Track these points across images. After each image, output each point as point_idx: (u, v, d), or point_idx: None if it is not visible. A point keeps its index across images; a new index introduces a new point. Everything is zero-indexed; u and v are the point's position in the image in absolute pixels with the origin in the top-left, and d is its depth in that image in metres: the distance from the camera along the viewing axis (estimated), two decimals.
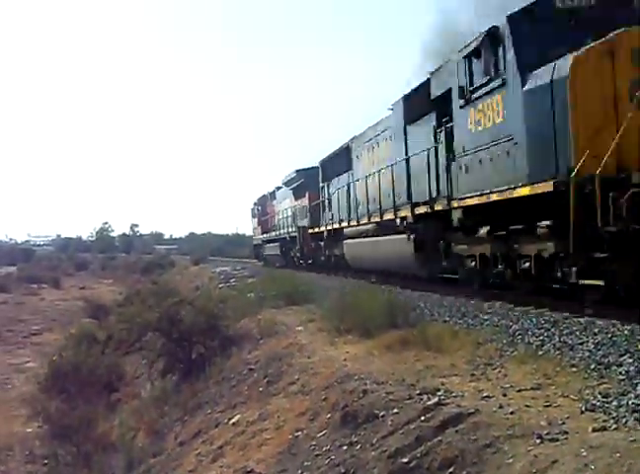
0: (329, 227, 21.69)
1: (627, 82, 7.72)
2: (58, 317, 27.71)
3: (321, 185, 23.50)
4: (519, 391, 5.15)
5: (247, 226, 49.21)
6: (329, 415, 6.14)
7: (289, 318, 11.52)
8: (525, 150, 8.99)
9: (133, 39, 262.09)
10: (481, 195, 10.15)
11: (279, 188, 33.88)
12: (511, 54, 9.38)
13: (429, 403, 5.06)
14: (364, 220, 17.25)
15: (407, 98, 14.14)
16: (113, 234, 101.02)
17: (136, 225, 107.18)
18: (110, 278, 46.21)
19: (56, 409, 12.26)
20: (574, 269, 8.01)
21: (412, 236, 13.48)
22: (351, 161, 19.57)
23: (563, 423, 4.22)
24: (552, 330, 7.25)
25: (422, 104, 12.99)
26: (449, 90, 11.38)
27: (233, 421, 7.89)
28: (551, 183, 8.16)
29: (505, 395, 5.07)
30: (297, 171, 28.05)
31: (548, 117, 8.45)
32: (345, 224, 19.57)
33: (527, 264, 9.23)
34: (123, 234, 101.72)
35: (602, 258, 7.50)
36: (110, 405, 13.45)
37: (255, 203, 42.47)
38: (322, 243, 23.23)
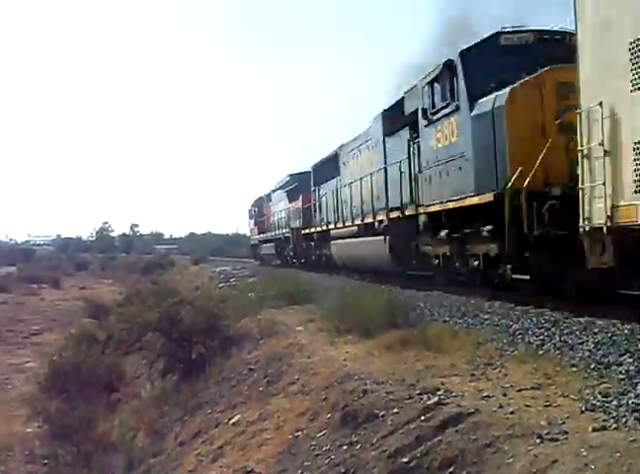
0: (319, 229, 23.15)
1: (553, 111, 9.18)
2: (58, 317, 27.70)
3: (312, 188, 24.87)
4: (519, 391, 5.15)
5: (246, 226, 49.66)
6: (329, 415, 6.13)
7: (289, 318, 11.52)
8: (473, 166, 10.65)
9: (133, 39, 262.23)
10: (441, 202, 11.86)
11: (274, 190, 35.32)
12: (462, 84, 11.08)
13: (429, 403, 5.06)
14: (349, 223, 18.86)
15: (385, 112, 15.71)
16: (113, 234, 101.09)
17: (136, 225, 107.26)
18: (110, 278, 46.20)
19: (56, 409, 12.25)
20: (509, 266, 9.73)
21: (387, 238, 15.18)
22: (339, 167, 20.94)
23: (563, 422, 4.22)
24: (552, 329, 7.26)
25: (397, 119, 14.56)
26: (417, 110, 13.04)
27: (233, 421, 7.89)
28: (492, 194, 9.80)
29: (505, 395, 5.07)
30: (291, 175, 29.96)
31: (490, 139, 10.11)
32: (332, 226, 21.01)
33: (477, 262, 10.84)
34: (123, 234, 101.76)
35: (529, 256, 9.13)
36: (110, 405, 13.44)
37: (252, 205, 43.86)
38: (313, 243, 24.83)
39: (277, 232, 32.83)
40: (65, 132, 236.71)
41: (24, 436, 12.71)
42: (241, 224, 52.73)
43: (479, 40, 11.26)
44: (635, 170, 6.75)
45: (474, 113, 10.66)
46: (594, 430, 4.01)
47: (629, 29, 6.83)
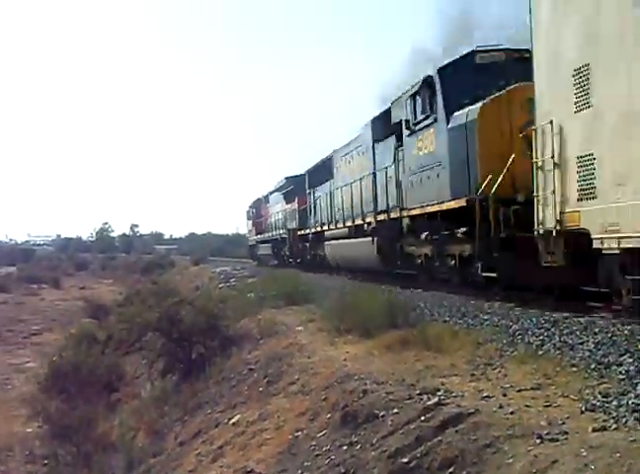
0: (313, 230, 24.23)
1: (519, 125, 9.76)
2: (58, 317, 27.71)
3: (308, 191, 25.72)
4: (519, 391, 5.15)
5: (245, 227, 50.01)
6: (329, 415, 6.13)
7: (289, 318, 11.52)
8: (449, 173, 11.62)
9: (133, 39, 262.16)
10: (422, 206, 12.86)
11: (272, 192, 36.24)
12: (439, 99, 12.09)
13: (429, 403, 5.06)
14: (341, 224, 19.89)
15: (375, 120, 16.60)
16: (113, 234, 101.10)
17: (136, 225, 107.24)
18: (110, 278, 46.22)
19: (56, 409, 12.24)
20: (479, 265, 10.58)
21: (375, 239, 16.14)
22: (332, 171, 21.75)
23: (563, 423, 4.22)
24: (552, 330, 7.25)
25: (385, 127, 15.44)
26: (401, 121, 13.98)
27: (233, 421, 7.89)
28: (464, 199, 10.75)
29: (505, 395, 5.07)
30: (287, 178, 31.07)
31: (464, 149, 11.09)
32: (326, 227, 21.97)
33: (454, 262, 11.74)
34: (123, 234, 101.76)
35: (497, 256, 10.00)
36: (110, 405, 13.44)
37: (250, 206, 44.65)
38: (308, 244, 25.84)
39: (274, 233, 33.63)
40: (65, 132, 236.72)
41: (24, 436, 12.71)
42: (241, 224, 52.82)
43: (456, 58, 12.29)
44: (578, 181, 7.74)
45: (450, 125, 11.67)
46: (594, 430, 4.01)
47: (574, 57, 7.79)
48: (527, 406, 4.69)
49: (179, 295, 14.19)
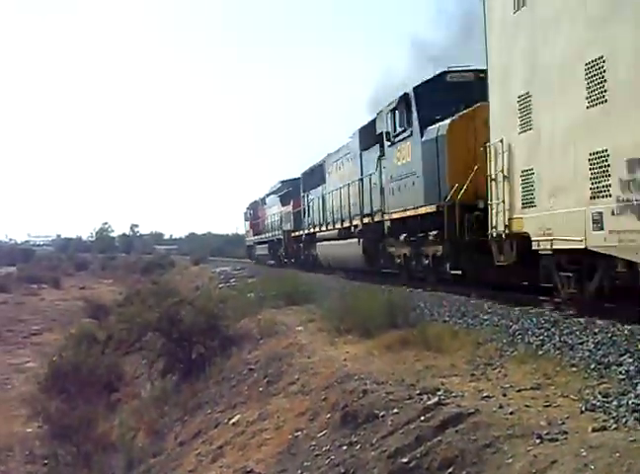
0: (306, 231, 25.54)
1: (482, 140, 10.59)
2: (58, 317, 27.70)
3: (302, 194, 26.90)
4: (518, 391, 5.15)
5: (243, 228, 50.49)
6: (329, 415, 6.13)
7: (289, 318, 11.52)
8: (423, 182, 13.02)
9: (133, 39, 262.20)
10: (400, 211, 14.28)
11: (268, 194, 37.50)
12: (415, 115, 13.47)
13: (429, 403, 5.05)
14: (331, 227, 21.15)
15: (362, 129, 17.80)
16: (113, 234, 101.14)
17: (136, 225, 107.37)
18: (110, 278, 46.20)
19: (56, 409, 12.24)
20: (448, 264, 12.12)
21: (361, 240, 17.51)
22: (324, 176, 22.98)
23: (563, 423, 4.22)
24: (552, 330, 7.25)
25: (371, 136, 16.58)
26: (383, 132, 15.27)
27: (233, 421, 7.89)
28: (435, 206, 12.16)
29: (505, 395, 5.07)
30: (282, 181, 32.67)
31: (435, 160, 12.46)
32: (318, 229, 23.25)
33: (428, 261, 13.15)
34: (123, 234, 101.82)
35: (462, 256, 11.49)
36: (110, 405, 13.43)
37: (247, 208, 45.84)
38: (301, 244, 27.02)
39: (270, 234, 34.81)
40: (65, 132, 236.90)
41: (24, 436, 12.71)
42: (241, 225, 52.93)
43: (429, 78, 13.62)
44: (522, 192, 9.06)
45: (424, 138, 13.03)
46: (593, 430, 4.01)
47: (518, 85, 9.10)
48: (527, 406, 4.69)
49: (179, 295, 14.18)
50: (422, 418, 4.89)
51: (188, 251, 67.54)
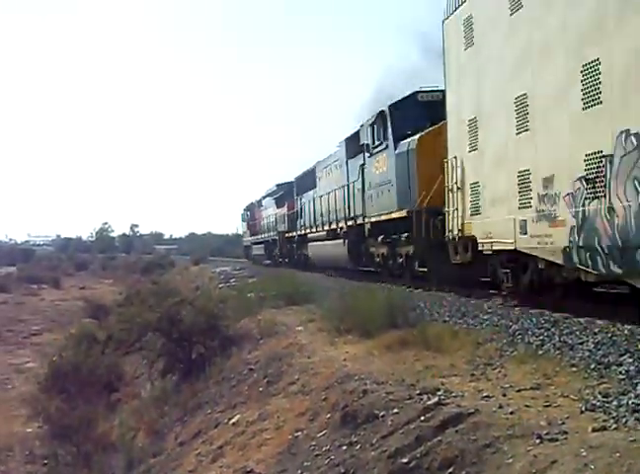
0: (299, 232, 27.13)
1: (446, 153, 11.77)
2: (58, 317, 27.69)
3: (295, 197, 28.50)
4: (518, 391, 5.14)
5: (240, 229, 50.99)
6: (329, 415, 6.13)
7: (289, 318, 11.51)
8: (396, 189, 14.67)
9: (133, 39, 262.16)
10: (378, 215, 15.93)
11: (264, 197, 38.86)
12: (390, 130, 15.13)
13: (428, 403, 5.05)
14: (321, 228, 22.67)
15: (348, 139, 19.42)
16: (113, 234, 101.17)
17: (136, 225, 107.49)
18: (110, 278, 46.18)
19: (56, 409, 12.22)
20: (416, 262, 13.90)
21: (346, 241, 19.25)
22: (315, 180, 24.68)
23: (563, 423, 4.22)
24: (552, 330, 7.26)
25: (355, 146, 18.10)
26: (364, 144, 16.91)
27: (233, 421, 7.88)
28: (405, 211, 13.85)
29: (505, 395, 5.07)
30: (277, 185, 34.12)
31: (406, 171, 14.11)
32: (309, 231, 24.94)
33: (401, 259, 14.84)
34: (123, 234, 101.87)
35: (428, 256, 13.20)
36: (110, 405, 13.43)
37: (244, 209, 47.16)
38: (295, 245, 28.54)
39: (266, 235, 36.26)
40: (65, 132, 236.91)
41: (24, 436, 12.70)
42: (240, 225, 53.18)
43: (403, 96, 15.33)
44: (471, 201, 10.71)
45: (397, 151, 14.64)
46: (593, 430, 4.00)
47: (468, 111, 10.78)
48: (527, 406, 4.69)
49: (179, 295, 14.15)
50: (422, 418, 4.89)
51: (188, 251, 67.56)
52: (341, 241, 19.71)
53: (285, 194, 31.03)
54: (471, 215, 10.69)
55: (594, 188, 7.42)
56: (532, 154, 8.72)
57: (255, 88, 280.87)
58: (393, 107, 15.21)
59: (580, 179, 7.65)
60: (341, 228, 19.86)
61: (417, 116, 14.14)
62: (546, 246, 8.46)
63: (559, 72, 8.04)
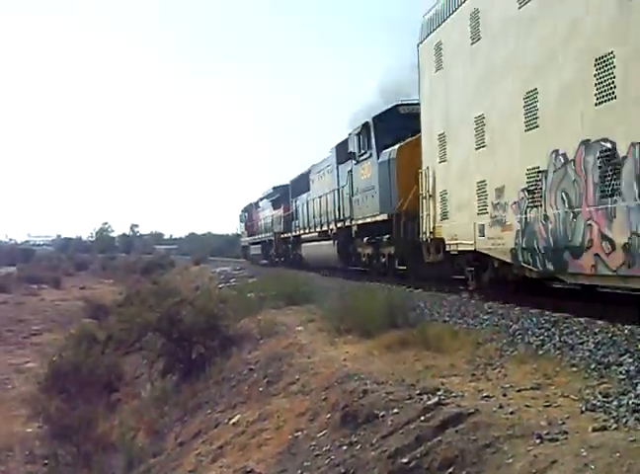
0: (294, 233, 28.28)
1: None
2: (58, 317, 27.68)
3: (291, 200, 29.68)
4: (518, 391, 5.14)
5: (238, 229, 51.39)
6: (329, 415, 6.12)
7: (289, 318, 11.51)
8: (379, 195, 16.02)
9: (133, 39, 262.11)
10: (363, 218, 17.38)
11: (261, 198, 40.10)
12: (373, 140, 16.50)
13: (429, 403, 5.05)
14: (313, 230, 23.91)
15: (338, 146, 20.55)
16: (113, 234, 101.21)
17: (136, 225, 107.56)
18: (110, 279, 46.17)
19: (56, 409, 12.22)
20: (396, 260, 15.25)
21: (335, 242, 20.57)
22: (309, 184, 25.86)
23: (563, 423, 4.21)
24: (552, 330, 7.26)
25: (345, 152, 19.18)
26: (351, 152, 18.26)
27: (233, 421, 7.88)
28: (386, 214, 15.17)
29: (505, 395, 5.06)
30: (274, 187, 35.29)
31: (387, 178, 15.42)
32: (303, 232, 26.20)
33: (384, 259, 16.10)
34: (123, 234, 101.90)
35: (406, 255, 14.52)
36: (110, 405, 13.42)
37: (242, 210, 48.20)
38: (290, 245, 29.78)
39: (263, 235, 37.45)
40: (65, 133, 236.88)
41: (24, 436, 12.70)
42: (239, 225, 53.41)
43: (385, 109, 16.64)
44: (440, 207, 11.95)
45: (380, 160, 15.93)
46: (594, 430, 4.00)
47: (438, 126, 12.00)
48: (527, 406, 4.69)
49: (179, 295, 14.16)
50: (422, 418, 4.89)
51: (188, 251, 67.56)
52: (331, 242, 20.94)
53: (282, 196, 31.93)
54: (441, 220, 11.96)
55: (533, 198, 8.73)
56: (488, 167, 10.09)
57: (256, 87, 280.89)
58: (377, 118, 16.50)
59: (523, 190, 8.96)
60: (331, 230, 21.03)
61: (398, 127, 15.13)
62: (499, 247, 9.80)
63: (508, 98, 9.33)
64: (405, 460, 4.60)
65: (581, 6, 7.60)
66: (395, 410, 5.25)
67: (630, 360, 5.46)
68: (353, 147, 18.06)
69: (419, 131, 13.18)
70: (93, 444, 11.09)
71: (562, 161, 7.96)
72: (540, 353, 6.29)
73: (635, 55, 6.66)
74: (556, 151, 8.08)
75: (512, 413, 4.53)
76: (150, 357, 12.50)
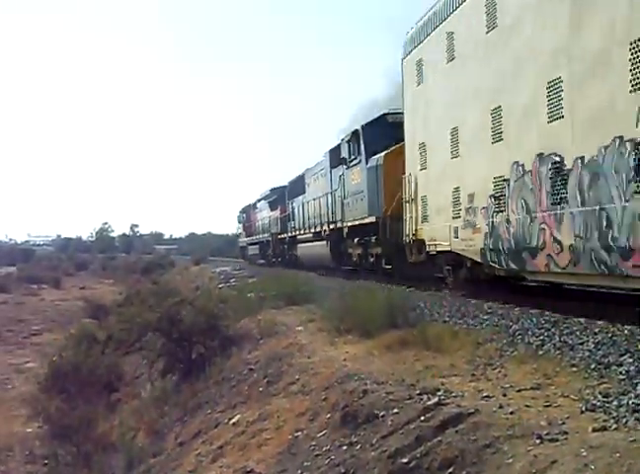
0: (290, 234, 29.30)
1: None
2: (58, 317, 27.68)
3: (287, 201, 30.60)
4: (518, 391, 5.14)
5: (236, 230, 51.77)
6: (329, 415, 6.12)
7: (289, 318, 11.50)
8: (367, 199, 16.92)
9: (133, 39, 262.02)
10: (353, 220, 18.38)
11: (259, 200, 40.86)
12: (362, 146, 17.47)
13: (429, 403, 5.05)
14: (308, 231, 24.90)
15: (331, 151, 21.41)
16: (113, 234, 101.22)
17: (136, 225, 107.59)
18: (110, 279, 46.17)
19: (56, 409, 12.22)
20: (383, 260, 16.01)
21: (328, 242, 21.48)
22: (304, 186, 26.73)
23: (563, 423, 4.21)
24: (552, 330, 7.25)
25: (337, 158, 20.13)
26: (343, 157, 19.23)
27: (233, 421, 7.88)
28: (374, 217, 16.06)
29: (505, 395, 5.06)
30: (271, 189, 36.37)
31: (375, 183, 16.27)
32: (298, 233, 27.16)
33: (372, 259, 16.99)
34: (123, 234, 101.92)
35: (391, 255, 15.31)
36: (110, 405, 13.42)
37: (240, 212, 48.98)
38: (286, 246, 30.77)
39: (260, 236, 38.36)
40: (65, 133, 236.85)
41: (24, 436, 12.70)
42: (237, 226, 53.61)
43: (374, 118, 17.56)
44: (421, 210, 12.95)
45: (368, 166, 16.86)
46: (594, 430, 4.00)
47: (419, 136, 13.01)
48: (527, 406, 4.68)
49: (179, 295, 14.16)
50: (422, 418, 4.89)
51: (188, 251, 67.56)
52: (324, 242, 21.92)
53: (279, 198, 32.78)
54: (421, 222, 12.99)
55: (498, 203, 9.73)
56: (461, 175, 11.07)
57: (256, 87, 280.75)
58: (366, 126, 17.52)
59: (490, 196, 9.95)
60: (324, 231, 21.99)
61: (386, 135, 15.87)
62: (470, 248, 10.76)
63: (477, 113, 10.36)
64: (405, 460, 4.60)
65: (536, 34, 8.60)
66: (395, 410, 5.25)
67: (630, 360, 5.46)
68: (344, 153, 19.02)
69: (404, 139, 13.98)
70: (93, 444, 11.09)
71: (521, 171, 8.99)
72: (540, 353, 6.29)
73: (578, 80, 7.65)
74: (517, 162, 9.11)
75: (512, 413, 4.53)
76: (150, 357, 12.50)
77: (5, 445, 12.33)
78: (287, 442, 6.30)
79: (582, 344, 6.36)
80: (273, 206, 34.41)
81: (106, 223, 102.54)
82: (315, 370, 7.41)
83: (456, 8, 11.02)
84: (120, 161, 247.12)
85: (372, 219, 16.15)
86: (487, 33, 9.88)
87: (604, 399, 4.56)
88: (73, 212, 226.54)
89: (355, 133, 18.03)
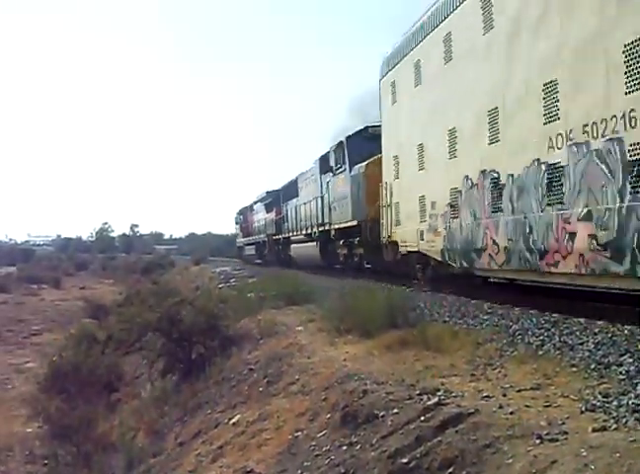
0: (284, 235, 31.00)
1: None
2: (58, 317, 27.69)
3: (282, 204, 32.20)
4: (518, 391, 5.14)
5: (234, 231, 52.16)
6: (329, 415, 6.12)
7: (289, 318, 11.50)
8: (351, 204, 18.49)
9: (133, 39, 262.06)
10: (339, 223, 19.92)
11: (255, 202, 42.50)
12: (346, 157, 19.17)
13: (428, 403, 5.05)
14: (300, 232, 26.49)
15: (321, 158, 22.91)
16: (113, 234, 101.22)
17: (136, 225, 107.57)
18: (110, 279, 46.17)
19: (56, 409, 12.23)
20: (365, 260, 18.05)
21: (318, 243, 23.18)
22: (298, 190, 28.24)
23: (563, 423, 4.21)
24: (552, 330, 7.25)
25: (326, 165, 21.76)
26: (330, 165, 21.00)
27: (233, 421, 7.88)
28: (356, 221, 17.71)
29: (505, 395, 5.06)
30: (267, 192, 38.25)
31: (357, 190, 17.85)
32: (291, 234, 28.81)
33: (356, 258, 18.86)
34: (123, 234, 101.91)
35: (372, 255, 16.95)
36: (110, 405, 13.43)
37: (238, 213, 50.69)
38: (280, 246, 32.51)
39: (257, 237, 39.89)
40: (65, 133, 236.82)
41: (24, 436, 12.70)
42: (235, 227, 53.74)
43: (357, 130, 19.24)
44: (395, 215, 14.50)
45: (352, 174, 18.51)
46: (594, 430, 3.99)
47: (394, 149, 14.66)
48: (527, 406, 4.68)
49: (179, 295, 14.16)
50: (422, 418, 4.88)
51: (188, 251, 67.56)
52: (315, 243, 23.53)
53: (274, 200, 34.35)
54: (395, 226, 14.51)
55: (454, 211, 11.25)
56: (426, 185, 12.58)
57: (256, 87, 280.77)
58: (350, 138, 19.14)
59: (448, 204, 11.48)
60: (314, 232, 23.52)
61: (368, 146, 17.06)
62: (433, 249, 12.29)
63: (438, 132, 11.88)
64: (405, 460, 4.60)
65: (480, 69, 10.12)
66: (395, 410, 5.25)
67: (630, 360, 5.45)
68: (331, 161, 20.81)
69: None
70: (93, 444, 11.09)
71: (470, 184, 10.56)
72: (540, 353, 6.29)
73: (509, 111, 9.23)
74: (467, 176, 10.67)
75: (512, 413, 4.53)
76: (150, 357, 12.50)
77: (5, 445, 12.33)
78: (287, 442, 6.30)
79: (582, 344, 6.36)
80: (268, 209, 35.80)
81: (106, 223, 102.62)
82: (315, 370, 7.41)
83: (422, 39, 12.64)
84: (119, 161, 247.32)
85: (355, 223, 17.73)
86: (445, 64, 11.46)
87: (604, 399, 4.56)
88: (73, 212, 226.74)
89: (340, 144, 19.72)
